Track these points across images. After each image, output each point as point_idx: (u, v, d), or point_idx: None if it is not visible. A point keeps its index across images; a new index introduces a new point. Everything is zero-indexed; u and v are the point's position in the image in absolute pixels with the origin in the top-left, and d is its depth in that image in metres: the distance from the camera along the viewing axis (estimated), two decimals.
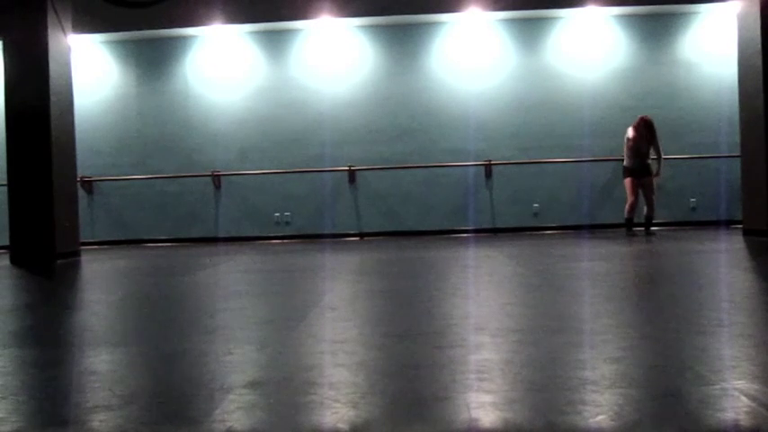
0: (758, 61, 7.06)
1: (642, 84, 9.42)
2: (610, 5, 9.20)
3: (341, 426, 1.52)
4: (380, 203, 9.72)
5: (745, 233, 7.42)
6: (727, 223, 8.90)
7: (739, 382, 1.75)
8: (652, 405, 1.61)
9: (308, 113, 9.69)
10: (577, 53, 9.55)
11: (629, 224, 8.08)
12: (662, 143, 8.03)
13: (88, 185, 9.78)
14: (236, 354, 2.32)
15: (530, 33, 9.58)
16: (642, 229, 8.15)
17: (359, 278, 4.70)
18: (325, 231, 9.57)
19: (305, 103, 9.71)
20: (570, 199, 9.49)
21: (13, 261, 6.87)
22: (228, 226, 9.79)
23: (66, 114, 7.26)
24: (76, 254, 7.43)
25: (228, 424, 1.55)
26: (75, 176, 7.64)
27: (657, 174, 8.04)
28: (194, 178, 9.78)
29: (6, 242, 7.09)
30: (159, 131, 9.89)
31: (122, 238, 9.83)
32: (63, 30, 7.23)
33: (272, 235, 9.72)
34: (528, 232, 9.41)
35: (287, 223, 9.77)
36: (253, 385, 1.88)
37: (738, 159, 7.77)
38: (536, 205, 9.58)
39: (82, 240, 7.85)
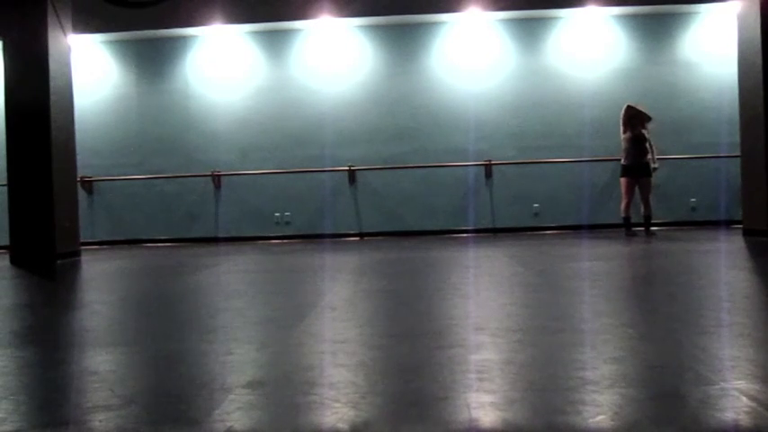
0: (758, 61, 7.06)
1: (642, 84, 9.42)
2: (610, 5, 9.20)
3: (341, 426, 1.52)
4: (380, 203, 9.72)
5: (745, 233, 7.41)
6: (727, 223, 8.89)
7: (739, 382, 1.75)
8: (652, 405, 1.61)
9: (308, 113, 9.69)
10: (577, 53, 9.55)
11: (627, 224, 8.08)
12: (651, 136, 8.03)
13: (88, 185, 9.78)
14: (236, 354, 2.32)
15: (530, 33, 9.58)
16: (642, 228, 8.15)
17: (359, 278, 4.70)
18: (325, 231, 9.57)
19: (305, 103, 9.71)
20: (570, 199, 9.49)
21: (13, 261, 6.86)
22: (228, 226, 9.79)
23: (66, 114, 7.25)
24: (76, 254, 7.42)
25: (228, 424, 1.55)
26: (75, 176, 7.63)
27: (654, 169, 8.04)
28: (194, 178, 9.78)
29: (6, 242, 7.09)
30: (159, 131, 9.89)
31: (122, 238, 9.82)
32: (63, 30, 7.22)
33: (272, 235, 9.72)
34: (528, 232, 9.41)
35: (287, 223, 9.77)
36: (253, 385, 1.88)
37: (738, 159, 7.77)
38: (536, 205, 9.58)
39: (82, 240, 7.85)
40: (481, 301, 3.48)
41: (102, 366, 2.19)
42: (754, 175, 7.26)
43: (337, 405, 1.67)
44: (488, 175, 9.56)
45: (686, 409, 1.58)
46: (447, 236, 9.26)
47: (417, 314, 3.10)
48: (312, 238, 9.53)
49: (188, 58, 9.85)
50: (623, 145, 8.06)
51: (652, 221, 8.18)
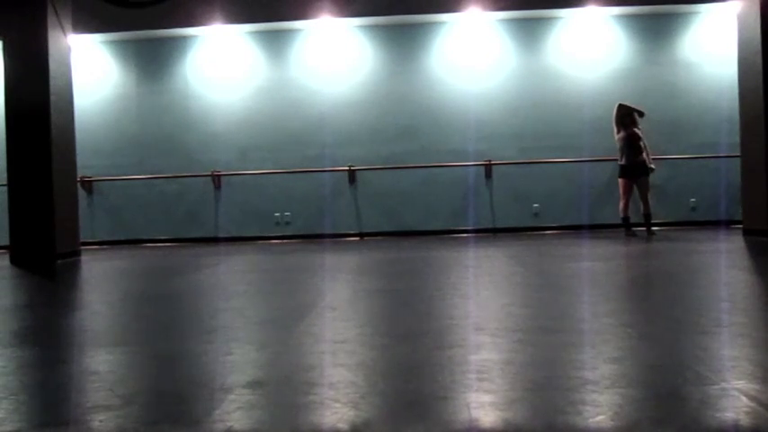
0: (758, 61, 7.06)
1: (642, 84, 9.42)
2: (610, 5, 9.19)
3: (341, 426, 1.52)
4: (380, 203, 9.72)
5: (745, 233, 7.42)
6: (727, 223, 8.89)
7: (739, 382, 1.75)
8: (652, 405, 1.61)
9: (308, 113, 9.69)
10: (577, 53, 9.55)
11: (627, 224, 8.08)
12: (644, 135, 8.03)
13: (88, 185, 9.78)
14: (236, 354, 2.32)
15: (530, 33, 9.58)
16: (643, 228, 8.15)
17: (359, 278, 4.70)
18: (325, 231, 9.57)
19: (305, 103, 9.71)
20: (570, 199, 9.49)
21: (13, 261, 6.87)
22: (228, 226, 9.79)
23: (66, 114, 7.25)
24: (76, 254, 7.43)
25: (228, 424, 1.55)
26: (75, 176, 7.63)
27: (651, 170, 8.03)
28: (194, 178, 9.78)
29: (6, 242, 7.09)
30: (159, 131, 9.89)
31: (122, 238, 9.82)
32: (63, 30, 7.22)
33: (272, 235, 9.72)
34: (528, 232, 9.41)
35: (287, 223, 9.77)
36: (253, 385, 1.88)
37: (738, 159, 7.77)
38: (536, 205, 9.58)
39: (82, 240, 7.85)
40: (481, 301, 3.48)
41: (102, 366, 2.19)
42: (754, 175, 7.26)
43: (337, 405, 1.67)
44: (488, 175, 9.56)
45: (686, 409, 1.58)
46: (447, 236, 9.26)
47: (417, 314, 3.10)
48: (312, 238, 9.53)
49: (188, 58, 9.85)
50: (618, 145, 8.07)
51: (652, 220, 8.18)
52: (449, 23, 9.60)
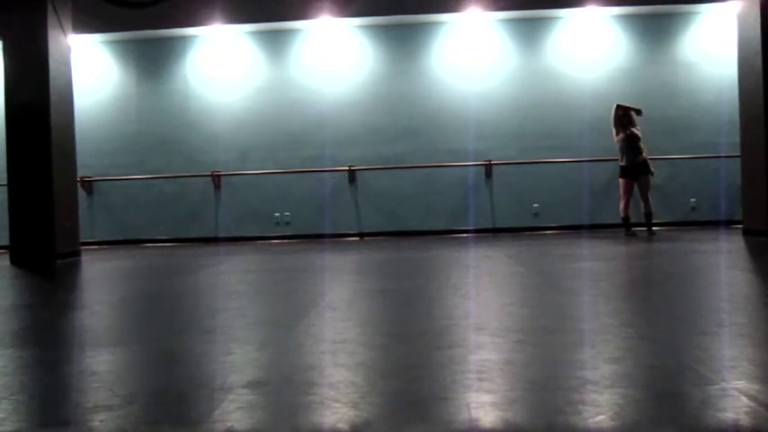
0: (758, 61, 7.06)
1: (642, 84, 9.42)
2: (610, 5, 9.20)
3: (341, 426, 1.52)
4: (380, 203, 9.72)
5: (745, 233, 7.41)
6: (727, 223, 8.89)
7: (739, 382, 1.75)
8: (652, 405, 1.61)
9: (308, 113, 9.69)
10: (577, 53, 9.55)
11: (627, 224, 8.08)
12: (644, 138, 8.03)
13: (88, 185, 9.78)
14: (236, 354, 2.32)
15: (530, 33, 9.58)
16: (643, 228, 8.15)
17: (359, 278, 4.70)
18: (326, 231, 9.56)
19: (305, 103, 9.71)
20: (570, 199, 9.49)
21: (13, 261, 6.86)
22: (228, 226, 9.79)
23: (66, 114, 7.25)
24: (76, 254, 7.42)
25: (228, 424, 1.55)
26: (76, 176, 7.63)
27: (651, 172, 8.03)
28: (194, 178, 9.78)
29: (6, 242, 7.09)
30: (159, 131, 9.89)
31: (122, 239, 9.82)
32: (63, 30, 7.22)
33: (272, 235, 9.72)
34: (528, 232, 9.41)
35: (287, 223, 9.77)
36: (253, 385, 1.88)
37: (738, 159, 7.76)
38: (536, 205, 9.58)
39: (82, 240, 7.84)
40: (481, 301, 3.48)
41: (102, 366, 2.19)
42: (754, 175, 7.26)
43: (337, 405, 1.67)
44: (488, 175, 9.56)
45: (686, 409, 1.58)
46: (447, 236, 9.26)
47: (417, 314, 3.10)
48: (312, 238, 9.53)
49: (188, 58, 9.85)
50: (618, 145, 8.06)
51: (653, 220, 8.18)
52: (449, 23, 9.60)
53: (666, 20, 9.49)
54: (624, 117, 7.99)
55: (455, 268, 5.23)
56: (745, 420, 1.48)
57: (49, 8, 6.97)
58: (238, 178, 9.75)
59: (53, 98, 6.93)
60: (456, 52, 9.62)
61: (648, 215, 8.06)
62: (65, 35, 7.27)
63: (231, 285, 4.72)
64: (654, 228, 8.19)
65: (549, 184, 9.52)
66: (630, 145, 7.94)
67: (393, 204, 9.69)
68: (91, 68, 9.80)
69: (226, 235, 9.72)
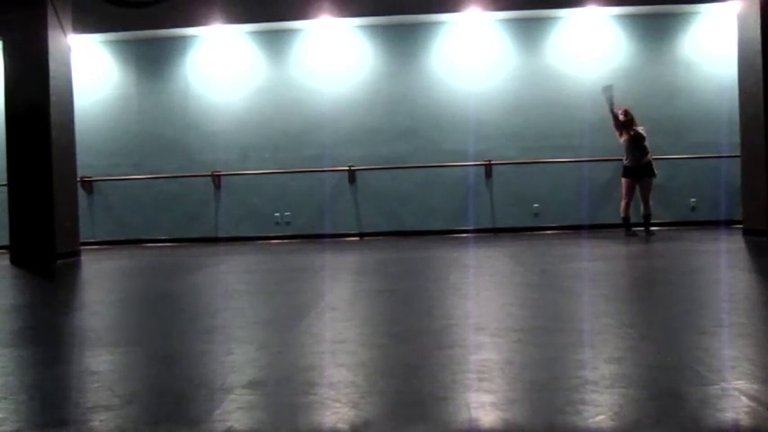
0: (758, 61, 7.06)
1: (642, 84, 9.41)
2: (610, 5, 9.19)
3: (341, 426, 1.52)
4: (380, 203, 9.72)
5: (745, 233, 7.41)
6: (727, 223, 8.88)
7: (739, 382, 1.75)
8: (652, 405, 1.61)
9: (308, 113, 9.68)
10: (577, 53, 9.54)
11: (627, 224, 8.08)
12: (649, 138, 8.02)
13: (88, 185, 9.78)
14: (236, 354, 2.32)
15: (530, 33, 9.58)
16: (642, 228, 8.15)
17: (359, 278, 4.70)
18: (326, 231, 9.56)
19: (305, 103, 9.70)
20: (570, 199, 9.48)
21: (13, 261, 6.86)
22: (228, 226, 9.79)
23: (66, 114, 7.25)
24: (76, 254, 7.42)
25: (228, 424, 1.55)
26: (76, 176, 7.63)
27: (654, 174, 8.03)
28: (194, 178, 9.77)
29: (6, 242, 7.09)
30: (159, 131, 9.88)
31: (122, 239, 9.82)
32: (63, 30, 7.22)
33: (272, 235, 9.72)
34: (528, 232, 9.40)
35: (287, 223, 9.76)
36: (253, 385, 1.89)
37: (738, 159, 7.76)
38: (536, 205, 9.58)
39: (82, 240, 7.84)
40: (481, 301, 3.48)
41: (102, 366, 2.19)
42: (754, 176, 7.26)
43: (337, 405, 1.67)
44: (488, 175, 9.56)
45: (686, 409, 1.58)
46: (447, 236, 9.26)
47: (417, 314, 3.10)
48: (312, 238, 9.52)
49: (188, 58, 9.85)
50: (624, 146, 8.04)
51: (651, 221, 8.18)
52: (449, 23, 9.60)
53: (666, 20, 9.49)
54: (628, 122, 7.96)
55: (455, 268, 5.23)
56: (745, 420, 1.48)
57: (49, 8, 6.97)
58: (238, 178, 9.75)
59: (53, 98, 6.93)
60: (456, 52, 9.61)
61: (647, 217, 8.06)
62: (65, 35, 7.27)
63: (231, 285, 4.72)
64: (652, 228, 8.19)
65: (549, 184, 9.52)
66: (636, 145, 7.93)
67: (393, 204, 9.69)
68: (91, 68, 9.80)
69: (226, 235, 9.71)
